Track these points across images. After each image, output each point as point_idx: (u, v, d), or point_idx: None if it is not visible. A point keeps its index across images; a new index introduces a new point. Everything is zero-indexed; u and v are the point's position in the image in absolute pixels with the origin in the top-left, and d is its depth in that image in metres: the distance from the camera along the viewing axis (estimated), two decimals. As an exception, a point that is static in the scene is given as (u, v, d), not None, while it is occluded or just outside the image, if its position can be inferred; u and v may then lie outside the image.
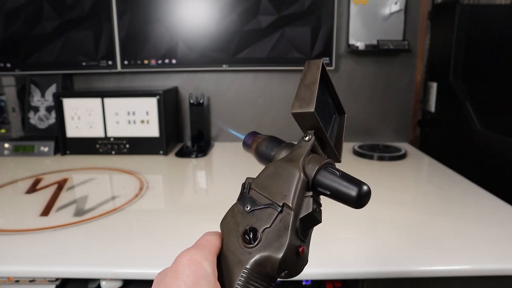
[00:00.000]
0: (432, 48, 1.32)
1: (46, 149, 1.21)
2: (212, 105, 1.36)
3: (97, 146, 1.20)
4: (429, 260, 0.59)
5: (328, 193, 0.29)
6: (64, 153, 1.20)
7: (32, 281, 0.64)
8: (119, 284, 0.64)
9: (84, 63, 1.26)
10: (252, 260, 0.27)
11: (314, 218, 0.29)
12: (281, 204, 0.28)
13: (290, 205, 0.28)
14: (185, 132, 1.37)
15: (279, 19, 1.22)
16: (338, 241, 0.66)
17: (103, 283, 0.64)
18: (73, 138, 1.20)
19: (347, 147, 1.26)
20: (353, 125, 1.36)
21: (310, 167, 0.30)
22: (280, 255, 0.27)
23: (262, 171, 0.31)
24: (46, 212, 0.78)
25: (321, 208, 0.30)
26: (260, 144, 0.35)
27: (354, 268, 0.58)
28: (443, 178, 0.99)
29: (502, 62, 1.13)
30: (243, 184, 0.31)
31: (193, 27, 1.22)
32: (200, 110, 1.25)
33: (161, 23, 1.22)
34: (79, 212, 0.78)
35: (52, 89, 1.29)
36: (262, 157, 0.34)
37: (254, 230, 0.28)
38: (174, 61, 1.25)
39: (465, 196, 0.86)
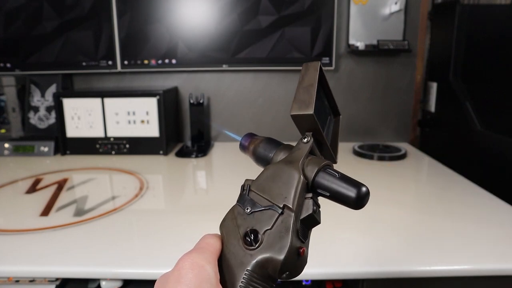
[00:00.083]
0: (432, 48, 1.32)
1: (46, 149, 1.21)
2: (212, 105, 1.36)
3: (97, 146, 1.20)
4: (429, 260, 0.59)
5: (328, 194, 0.29)
6: (64, 153, 1.20)
7: (32, 281, 0.64)
8: (119, 284, 0.64)
9: (84, 63, 1.26)
10: (254, 262, 0.27)
11: (314, 219, 0.29)
12: (281, 206, 0.29)
13: (291, 206, 0.28)
14: (185, 132, 1.37)
15: (279, 19, 1.22)
16: (338, 241, 0.66)
17: (103, 283, 0.64)
18: (73, 138, 1.20)
19: (347, 147, 1.26)
20: (353, 125, 1.36)
21: (309, 169, 0.30)
22: (282, 257, 0.27)
23: (261, 173, 0.31)
24: (46, 212, 0.78)
25: (320, 209, 0.30)
26: (258, 146, 0.35)
27: (354, 268, 0.58)
28: (443, 178, 0.99)
29: (502, 62, 1.13)
30: (242, 186, 0.31)
31: (193, 27, 1.22)
32: (200, 110, 1.25)
33: (161, 23, 1.22)
34: (79, 212, 0.78)
35: (52, 89, 1.29)
36: (260, 159, 0.34)
37: (255, 232, 0.28)
38: (174, 61, 1.25)
39: (465, 196, 0.86)
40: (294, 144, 0.33)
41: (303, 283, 0.67)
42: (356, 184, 0.28)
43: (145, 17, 1.22)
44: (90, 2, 1.21)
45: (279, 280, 0.29)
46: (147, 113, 1.17)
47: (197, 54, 1.24)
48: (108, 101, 1.17)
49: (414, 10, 1.26)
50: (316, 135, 0.32)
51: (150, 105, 1.16)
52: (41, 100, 1.29)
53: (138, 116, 1.18)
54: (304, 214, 0.29)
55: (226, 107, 1.36)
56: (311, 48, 1.23)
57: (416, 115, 1.37)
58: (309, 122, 0.31)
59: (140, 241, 0.67)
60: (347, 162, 1.13)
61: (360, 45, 1.25)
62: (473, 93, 1.12)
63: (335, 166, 0.32)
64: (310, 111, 0.30)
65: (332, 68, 1.26)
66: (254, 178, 0.32)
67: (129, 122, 1.18)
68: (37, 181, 0.97)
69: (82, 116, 1.18)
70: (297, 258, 0.28)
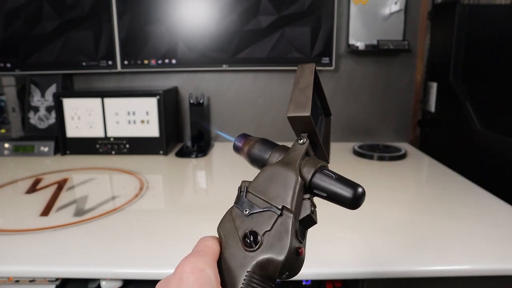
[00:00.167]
0: (432, 48, 1.32)
1: (46, 149, 1.21)
2: (212, 105, 1.36)
3: (97, 146, 1.20)
4: (429, 260, 0.59)
5: (325, 195, 0.30)
6: (64, 153, 1.20)
7: (32, 281, 0.64)
8: (119, 284, 0.64)
9: (84, 63, 1.26)
10: (254, 263, 0.28)
11: (312, 220, 0.30)
12: (280, 207, 0.29)
13: (290, 208, 0.29)
14: (185, 132, 1.37)
15: (279, 19, 1.22)
16: (338, 241, 0.66)
17: (103, 283, 0.64)
18: (73, 138, 1.20)
19: (347, 147, 1.26)
20: (353, 125, 1.36)
21: (306, 170, 0.31)
22: (282, 257, 0.27)
23: (258, 174, 0.31)
24: (46, 212, 0.78)
25: (316, 209, 0.31)
26: (253, 147, 0.35)
27: (354, 268, 0.58)
28: (443, 178, 0.99)
29: (502, 62, 1.13)
30: (240, 188, 0.32)
31: (193, 27, 1.22)
32: (200, 110, 1.25)
33: (161, 23, 1.22)
34: (79, 212, 0.78)
35: (52, 89, 1.29)
36: (255, 160, 0.35)
37: (254, 234, 0.29)
38: (174, 61, 1.25)
39: (465, 196, 0.86)
40: (289, 145, 0.33)
41: (303, 283, 0.67)
42: (352, 185, 0.29)
43: (145, 17, 1.22)
44: (90, 2, 1.22)
45: (278, 280, 0.29)
46: (147, 113, 1.17)
47: (197, 54, 1.24)
48: (108, 101, 1.17)
49: (414, 10, 1.26)
50: (311, 136, 0.32)
51: (150, 105, 1.16)
52: (41, 100, 1.29)
53: (138, 116, 1.18)
54: (302, 215, 0.29)
55: (226, 107, 1.36)
56: (311, 48, 1.23)
57: (416, 115, 1.37)
58: (306, 124, 0.31)
59: (140, 241, 0.67)
60: (347, 162, 1.13)
61: (360, 45, 1.25)
62: (473, 93, 1.12)
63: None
64: (307, 113, 0.31)
65: (332, 68, 1.26)
66: (251, 179, 0.32)
67: (129, 122, 1.18)
68: (37, 181, 0.97)
69: (82, 116, 1.18)
70: (296, 258, 0.28)
